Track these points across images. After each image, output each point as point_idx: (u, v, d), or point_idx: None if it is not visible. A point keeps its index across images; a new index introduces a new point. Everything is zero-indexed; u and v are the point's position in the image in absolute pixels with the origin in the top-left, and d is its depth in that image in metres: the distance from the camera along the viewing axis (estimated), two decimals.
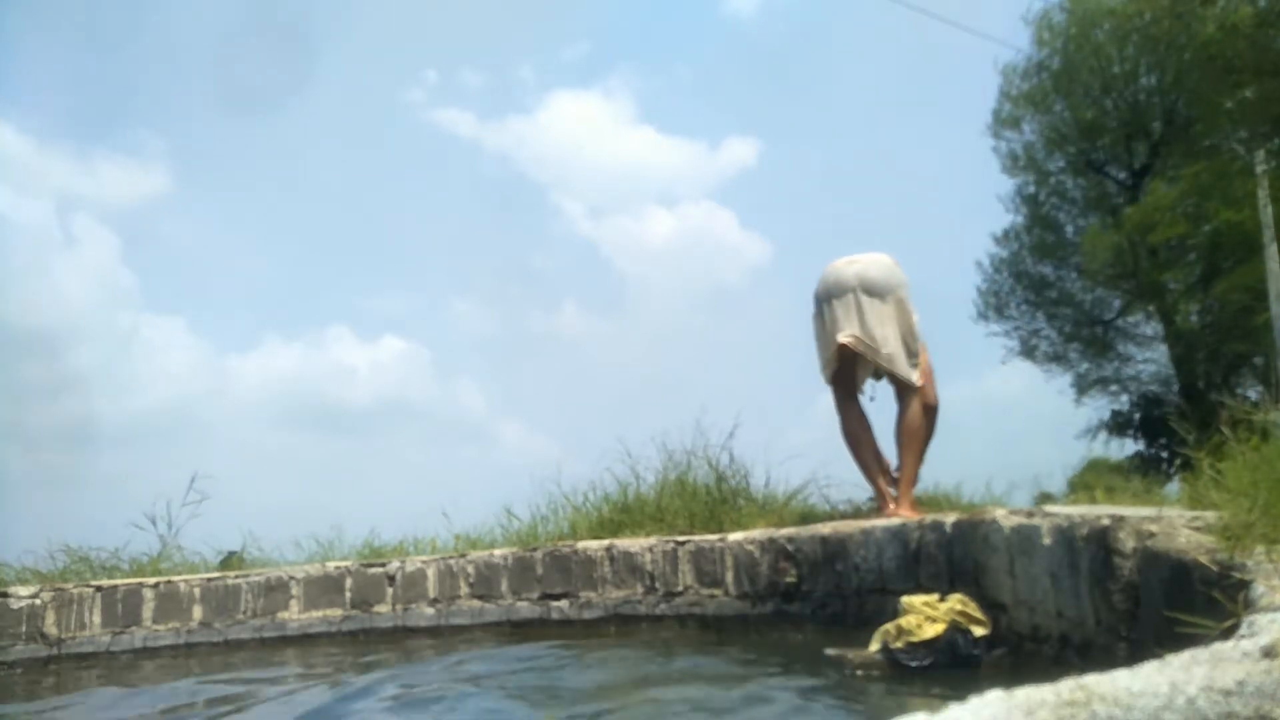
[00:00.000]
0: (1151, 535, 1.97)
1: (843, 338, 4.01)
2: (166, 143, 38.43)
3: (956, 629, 2.78)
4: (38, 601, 4.51)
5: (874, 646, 2.86)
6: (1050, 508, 2.85)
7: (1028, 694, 0.84)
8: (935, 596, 2.93)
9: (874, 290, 4.02)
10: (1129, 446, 17.83)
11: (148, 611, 4.56)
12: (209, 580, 4.66)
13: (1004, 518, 2.78)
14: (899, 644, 2.80)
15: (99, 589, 4.58)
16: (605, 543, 4.48)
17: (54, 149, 35.17)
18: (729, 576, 4.13)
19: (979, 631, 2.77)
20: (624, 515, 4.85)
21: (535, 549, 4.58)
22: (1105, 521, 2.17)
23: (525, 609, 4.48)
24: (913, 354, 4.06)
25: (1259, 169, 12.67)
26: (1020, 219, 19.09)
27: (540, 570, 4.50)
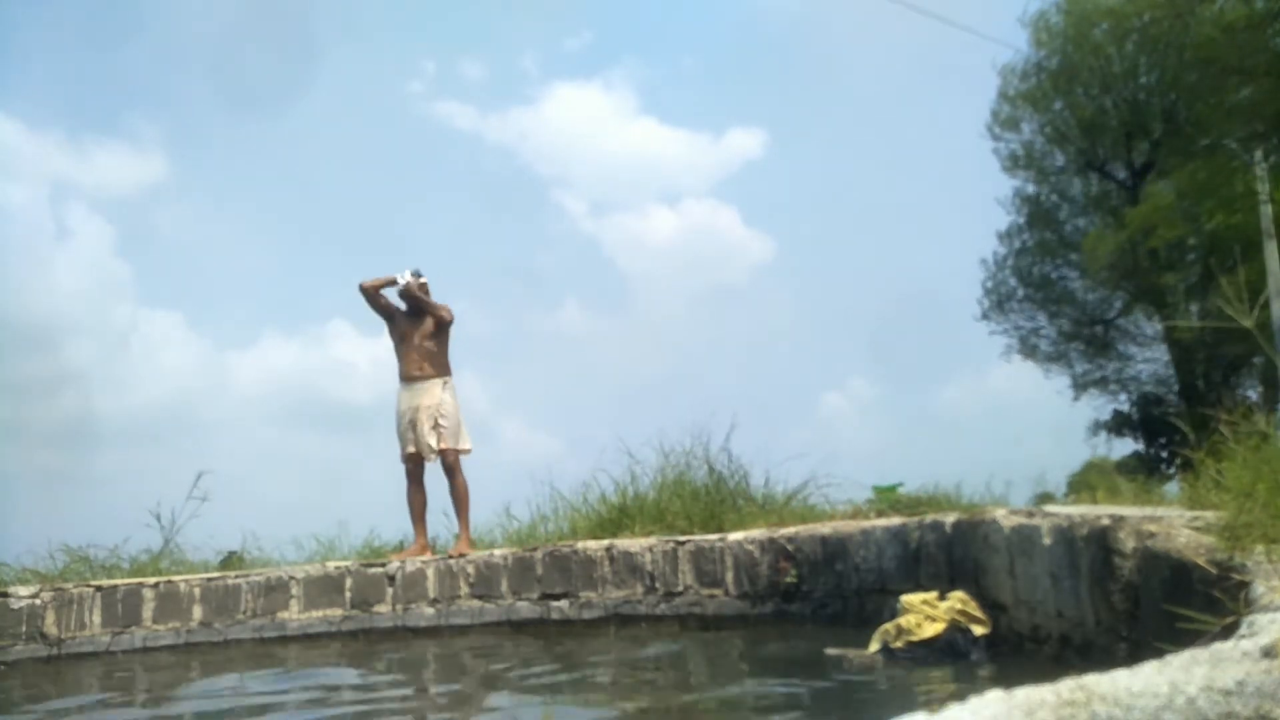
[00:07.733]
0: (1151, 535, 1.97)
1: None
2: (162, 130, 38.10)
3: (956, 628, 2.78)
4: (38, 601, 4.51)
5: (874, 646, 2.86)
6: (1050, 508, 2.85)
7: (1028, 694, 0.84)
8: (934, 595, 2.94)
9: None
10: (1129, 446, 17.83)
11: (148, 611, 4.56)
12: (209, 580, 4.66)
13: (1004, 518, 2.78)
14: (899, 643, 2.81)
15: (99, 589, 4.57)
16: (605, 543, 4.48)
17: (45, 135, 34.76)
18: (729, 576, 4.13)
19: (979, 630, 2.77)
20: (624, 515, 4.85)
21: (535, 549, 4.58)
22: (1105, 521, 2.18)
23: (525, 609, 4.48)
24: None
25: (1258, 169, 12.62)
26: (1020, 218, 19.07)
27: (540, 570, 4.50)
